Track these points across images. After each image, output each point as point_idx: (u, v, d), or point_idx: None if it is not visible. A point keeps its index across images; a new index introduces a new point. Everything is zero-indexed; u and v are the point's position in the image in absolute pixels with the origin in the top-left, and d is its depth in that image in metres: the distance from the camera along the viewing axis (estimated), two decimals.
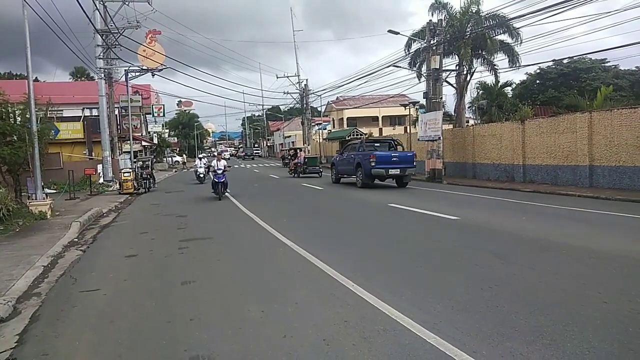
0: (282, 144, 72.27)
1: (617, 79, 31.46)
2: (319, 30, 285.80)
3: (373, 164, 17.36)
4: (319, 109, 53.66)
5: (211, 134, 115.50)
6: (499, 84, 28.90)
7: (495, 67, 25.84)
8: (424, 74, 23.68)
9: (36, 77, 42.11)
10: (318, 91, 50.39)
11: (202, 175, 23.66)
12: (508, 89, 32.82)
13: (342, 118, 55.52)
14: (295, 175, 27.83)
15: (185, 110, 73.87)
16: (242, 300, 4.83)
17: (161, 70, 28.05)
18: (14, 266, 6.52)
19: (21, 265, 6.54)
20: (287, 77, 44.69)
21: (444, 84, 23.95)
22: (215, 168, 15.64)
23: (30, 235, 9.24)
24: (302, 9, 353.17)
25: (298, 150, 32.21)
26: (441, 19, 23.18)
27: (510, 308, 4.28)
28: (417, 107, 30.92)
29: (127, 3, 22.93)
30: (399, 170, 17.55)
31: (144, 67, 27.66)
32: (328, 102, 56.81)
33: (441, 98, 22.65)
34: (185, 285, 5.49)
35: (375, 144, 20.32)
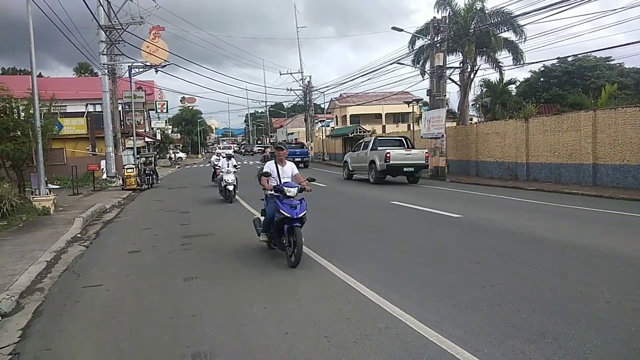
0: (284, 140, 72.33)
1: (621, 77, 31.30)
2: (321, 27, 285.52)
3: (286, 155, 30.33)
4: (322, 105, 53.46)
5: (214, 131, 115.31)
6: (503, 82, 28.81)
7: (500, 64, 25.80)
8: (428, 71, 23.61)
9: (40, 73, 42.07)
10: (321, 88, 50.26)
11: (231, 188, 13.47)
12: (512, 87, 32.77)
13: (346, 115, 55.43)
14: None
15: (188, 107, 73.80)
16: (244, 297, 4.84)
17: (164, 66, 28.10)
18: (17, 261, 6.55)
19: (24, 261, 6.57)
20: (291, 73, 44.34)
21: (448, 81, 23.86)
22: (279, 183, 6.36)
23: (34, 230, 9.28)
24: (304, 6, 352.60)
25: (265, 148, 44.83)
26: (445, 16, 23.09)
27: (513, 307, 4.27)
28: (420, 104, 30.88)
29: None
30: (300, 158, 30.55)
31: (147, 63, 27.71)
32: (331, 99, 56.79)
33: (445, 95, 22.57)
34: (188, 281, 5.50)
35: (292, 144, 34.24)
